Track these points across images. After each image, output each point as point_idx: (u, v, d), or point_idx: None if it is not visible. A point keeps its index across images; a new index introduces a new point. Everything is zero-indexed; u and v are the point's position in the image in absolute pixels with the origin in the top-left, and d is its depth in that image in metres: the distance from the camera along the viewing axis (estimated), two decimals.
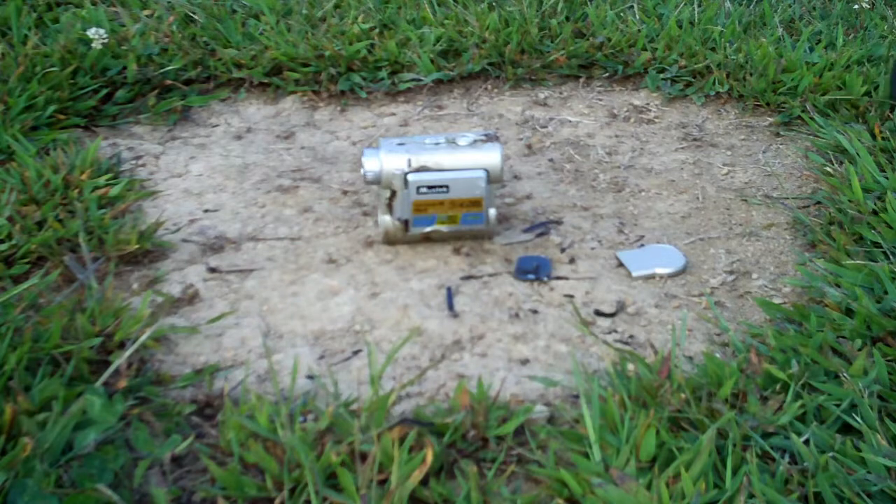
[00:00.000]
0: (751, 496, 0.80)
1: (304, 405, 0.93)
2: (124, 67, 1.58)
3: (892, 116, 1.50)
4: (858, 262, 1.13)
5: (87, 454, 0.85)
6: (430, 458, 0.84)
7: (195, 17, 1.76)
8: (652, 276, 1.18)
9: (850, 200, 1.27)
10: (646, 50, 1.74)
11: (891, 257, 1.14)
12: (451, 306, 1.11)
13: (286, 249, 1.22)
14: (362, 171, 1.16)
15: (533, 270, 1.17)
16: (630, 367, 0.98)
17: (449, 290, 1.14)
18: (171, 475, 0.86)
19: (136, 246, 1.17)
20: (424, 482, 0.84)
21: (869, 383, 0.92)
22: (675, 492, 0.81)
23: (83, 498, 0.80)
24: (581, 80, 1.73)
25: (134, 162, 1.42)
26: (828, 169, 1.39)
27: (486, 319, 1.10)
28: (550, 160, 1.47)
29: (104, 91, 1.54)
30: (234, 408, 0.91)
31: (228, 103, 1.62)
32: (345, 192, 1.36)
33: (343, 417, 0.90)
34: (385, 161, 1.15)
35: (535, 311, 1.11)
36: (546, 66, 1.72)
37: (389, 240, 1.21)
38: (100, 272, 1.12)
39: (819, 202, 1.33)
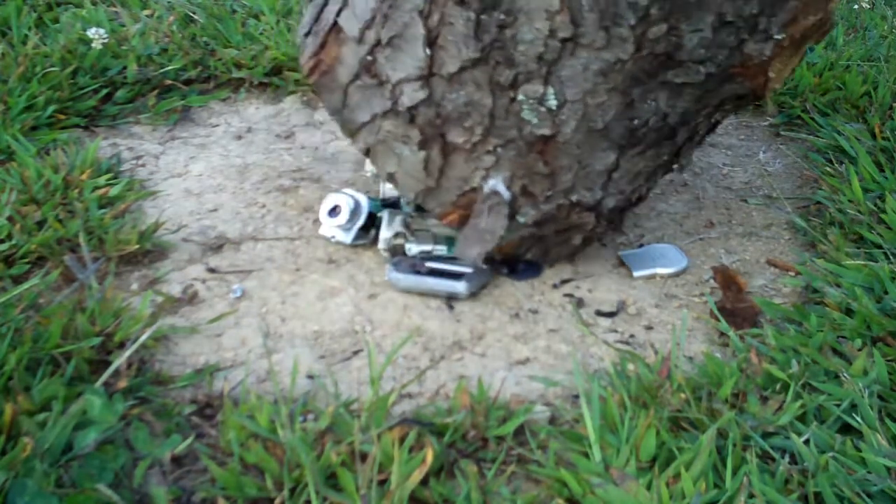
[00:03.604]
0: (751, 496, 0.80)
1: (304, 405, 0.93)
2: (124, 67, 1.58)
3: (892, 116, 1.50)
4: (858, 262, 1.13)
5: (87, 454, 0.85)
6: (430, 458, 0.84)
7: (195, 17, 1.76)
8: (653, 277, 1.18)
9: (850, 200, 1.27)
10: None
11: (891, 257, 1.14)
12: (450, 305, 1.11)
13: (286, 249, 1.22)
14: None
15: (520, 270, 1.17)
16: (630, 367, 0.98)
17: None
18: (171, 475, 0.86)
19: (136, 246, 1.17)
20: (424, 482, 0.84)
21: (869, 383, 0.92)
22: (675, 492, 0.81)
23: (83, 498, 0.80)
24: None
25: (134, 162, 1.42)
26: (828, 169, 1.39)
27: (485, 319, 1.10)
28: None
29: (104, 91, 1.54)
30: (234, 408, 0.91)
31: (228, 103, 1.62)
32: None
33: (343, 417, 0.90)
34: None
35: (535, 311, 1.11)
36: None
37: None
38: (100, 272, 1.12)
39: (819, 202, 1.33)
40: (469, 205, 1.09)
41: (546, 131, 1.01)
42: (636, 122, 1.02)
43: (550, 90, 0.99)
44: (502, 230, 1.06)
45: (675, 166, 1.13)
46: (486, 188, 1.06)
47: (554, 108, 1.00)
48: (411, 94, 1.04)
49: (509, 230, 1.08)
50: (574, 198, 1.07)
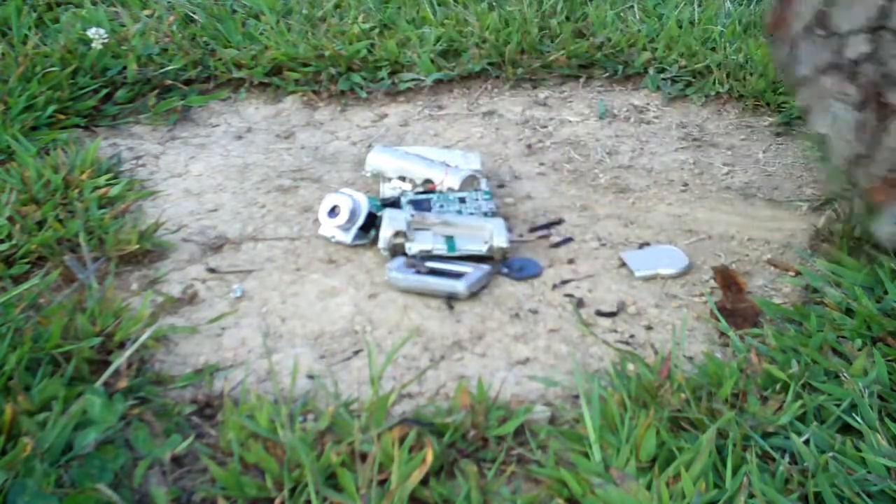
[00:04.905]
0: (751, 496, 0.80)
1: (304, 405, 0.93)
2: (124, 67, 1.58)
3: None
4: (859, 261, 1.13)
5: (87, 454, 0.85)
6: (430, 458, 0.84)
7: (195, 17, 1.76)
8: (654, 277, 1.18)
9: None
10: (646, 50, 1.74)
11: (891, 257, 1.14)
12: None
13: (286, 249, 1.22)
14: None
15: (516, 271, 1.17)
16: (630, 367, 0.98)
17: None
18: (171, 475, 0.86)
19: (136, 246, 1.17)
20: (424, 482, 0.84)
21: (869, 383, 0.92)
22: (675, 492, 0.81)
23: (83, 498, 0.80)
24: (581, 80, 1.73)
25: (134, 162, 1.42)
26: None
27: (485, 319, 1.10)
28: (551, 160, 1.47)
29: (104, 91, 1.54)
30: (234, 408, 0.91)
31: (228, 103, 1.62)
32: None
33: (343, 417, 0.90)
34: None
35: (535, 311, 1.11)
36: (546, 66, 1.72)
37: None
38: (100, 272, 1.12)
39: (819, 201, 1.33)
40: None
41: None
42: None
43: None
44: None
45: None
46: None
47: None
48: (855, 47, 0.98)
49: None
50: None
